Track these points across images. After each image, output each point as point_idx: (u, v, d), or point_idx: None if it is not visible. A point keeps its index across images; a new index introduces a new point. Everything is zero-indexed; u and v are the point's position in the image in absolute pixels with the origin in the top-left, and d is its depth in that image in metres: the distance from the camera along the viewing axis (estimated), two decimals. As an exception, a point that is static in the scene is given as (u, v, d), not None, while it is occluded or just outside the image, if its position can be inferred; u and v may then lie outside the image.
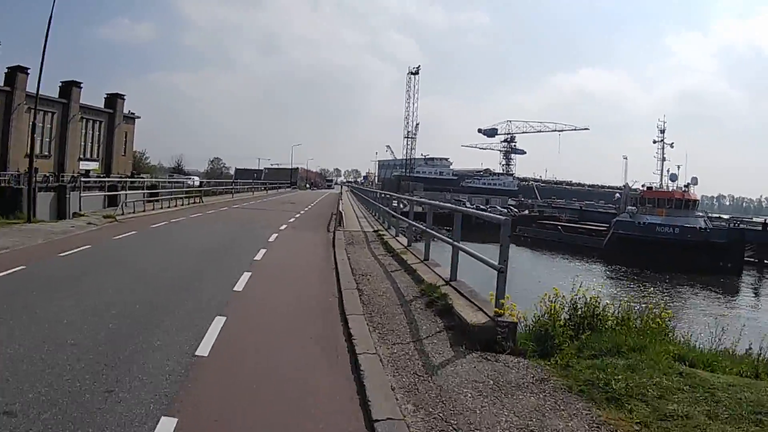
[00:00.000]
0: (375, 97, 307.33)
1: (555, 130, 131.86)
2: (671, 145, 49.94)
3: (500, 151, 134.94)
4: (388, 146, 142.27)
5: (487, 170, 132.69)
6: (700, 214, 49.93)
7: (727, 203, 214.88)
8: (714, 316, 16.90)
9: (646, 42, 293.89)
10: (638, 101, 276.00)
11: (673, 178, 48.08)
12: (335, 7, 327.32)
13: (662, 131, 50.46)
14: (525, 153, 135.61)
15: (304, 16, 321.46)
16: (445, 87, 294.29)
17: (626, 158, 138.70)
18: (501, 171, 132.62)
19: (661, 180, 49.11)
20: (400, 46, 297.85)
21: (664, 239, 42.92)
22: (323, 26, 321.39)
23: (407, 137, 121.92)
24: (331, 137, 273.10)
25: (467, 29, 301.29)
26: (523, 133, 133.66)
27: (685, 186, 47.50)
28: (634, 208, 48.53)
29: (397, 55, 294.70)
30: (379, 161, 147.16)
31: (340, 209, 25.17)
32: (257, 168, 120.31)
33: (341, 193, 53.35)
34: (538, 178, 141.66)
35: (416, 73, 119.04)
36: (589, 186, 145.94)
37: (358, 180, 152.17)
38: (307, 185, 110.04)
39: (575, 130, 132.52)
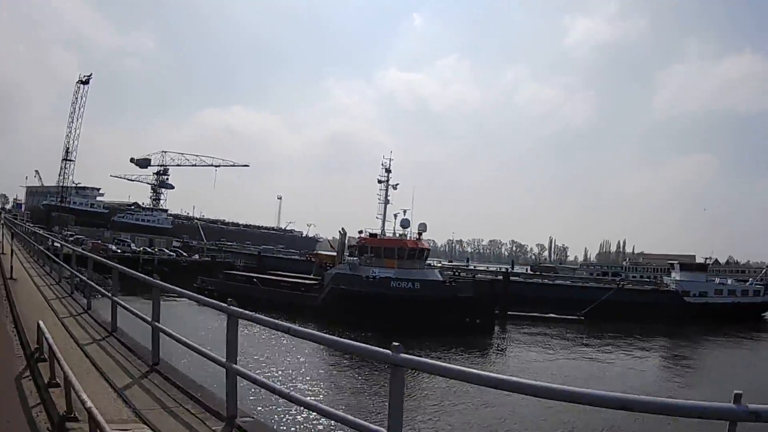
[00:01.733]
0: (29, 117, 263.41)
1: (212, 165, 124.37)
2: (395, 187, 44.63)
3: (149, 184, 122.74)
4: (36, 171, 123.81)
5: (135, 204, 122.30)
6: (432, 264, 46.75)
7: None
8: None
9: (303, 83, 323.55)
10: (286, 142, 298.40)
11: (406, 224, 42.84)
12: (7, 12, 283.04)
13: (387, 170, 44.75)
14: (173, 188, 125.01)
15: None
16: (102, 113, 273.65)
17: (281, 198, 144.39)
18: (150, 206, 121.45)
19: (383, 226, 43.92)
20: (64, 64, 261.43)
21: (401, 296, 36.94)
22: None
23: (65, 159, 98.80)
24: None
25: (132, 52, 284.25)
26: (177, 165, 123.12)
27: (417, 233, 42.78)
28: (354, 258, 42.95)
29: (59, 74, 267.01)
30: (27, 187, 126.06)
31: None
32: None
33: None
34: (189, 215, 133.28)
35: (86, 82, 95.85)
36: (244, 226, 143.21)
37: (10, 209, 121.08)
38: None
39: (234, 166, 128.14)
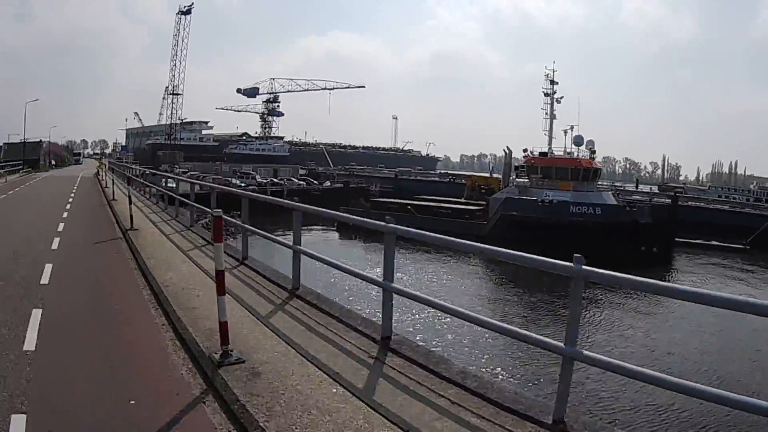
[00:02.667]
0: (122, 64, 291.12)
1: (325, 89, 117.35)
2: (559, 101, 40.27)
3: (258, 113, 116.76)
4: (136, 113, 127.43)
5: (245, 134, 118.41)
6: (604, 185, 42.33)
7: (489, 160, 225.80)
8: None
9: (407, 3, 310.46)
10: (390, 64, 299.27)
11: (579, 141, 38.45)
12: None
13: (552, 82, 40.31)
14: (283, 115, 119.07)
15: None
16: (201, 50, 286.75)
17: (396, 118, 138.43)
18: (260, 134, 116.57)
19: (550, 143, 39.66)
20: (151, 5, 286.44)
21: (582, 223, 32.70)
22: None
23: (172, 93, 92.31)
24: (76, 106, 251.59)
25: None
26: (288, 92, 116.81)
27: (590, 151, 38.36)
28: (523, 180, 38.47)
29: (147, 15, 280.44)
30: (127, 130, 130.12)
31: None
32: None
33: (101, 177, 34.13)
34: (303, 141, 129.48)
35: (188, 12, 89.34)
36: (363, 148, 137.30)
37: (110, 153, 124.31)
38: (52, 162, 78.23)
39: (349, 87, 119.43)
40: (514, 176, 39.97)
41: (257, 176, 61.28)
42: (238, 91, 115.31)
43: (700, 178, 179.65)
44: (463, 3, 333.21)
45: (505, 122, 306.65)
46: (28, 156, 62.43)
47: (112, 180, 24.16)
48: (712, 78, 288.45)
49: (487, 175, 50.52)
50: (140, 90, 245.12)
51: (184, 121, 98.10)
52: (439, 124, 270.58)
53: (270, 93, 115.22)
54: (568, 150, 38.90)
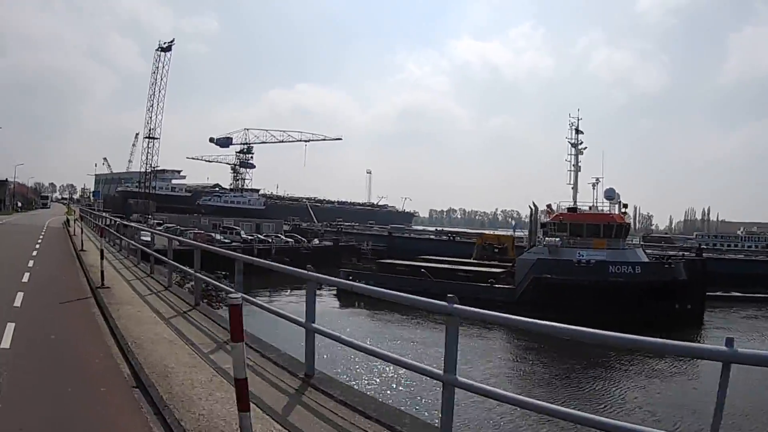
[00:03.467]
0: (91, 107, 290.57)
1: (300, 140, 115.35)
2: (581, 152, 38.02)
3: (230, 164, 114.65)
4: (105, 159, 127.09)
5: (217, 185, 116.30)
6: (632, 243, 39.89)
7: (458, 216, 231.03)
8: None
9: (375, 58, 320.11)
10: (355, 118, 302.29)
11: (611, 194, 35.91)
12: (64, 3, 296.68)
13: (577, 131, 38.17)
14: (255, 167, 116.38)
15: (33, 13, 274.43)
16: (167, 98, 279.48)
17: (370, 172, 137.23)
18: (231, 186, 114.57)
19: (575, 198, 37.41)
20: (122, 50, 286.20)
21: (621, 283, 30.67)
22: (49, 26, 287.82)
23: (148, 137, 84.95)
24: (44, 148, 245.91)
25: (193, 35, 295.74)
26: (263, 143, 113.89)
27: (623, 206, 36.26)
28: (554, 239, 35.50)
29: (118, 60, 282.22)
30: (96, 175, 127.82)
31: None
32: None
33: (71, 227, 31.34)
34: (273, 194, 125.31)
35: (167, 49, 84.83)
36: (338, 203, 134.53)
37: (78, 198, 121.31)
38: (18, 205, 77.36)
39: (325, 140, 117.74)
40: (540, 234, 36.92)
41: (242, 232, 57.38)
42: (211, 140, 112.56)
43: (672, 226, 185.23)
44: (434, 57, 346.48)
45: (472, 177, 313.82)
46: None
47: (81, 228, 22.20)
48: (678, 127, 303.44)
49: (499, 233, 49.16)
50: (109, 135, 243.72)
51: (156, 168, 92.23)
52: (407, 178, 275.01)
53: (243, 144, 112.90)
54: (595, 204, 36.78)
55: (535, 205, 37.84)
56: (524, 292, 31.97)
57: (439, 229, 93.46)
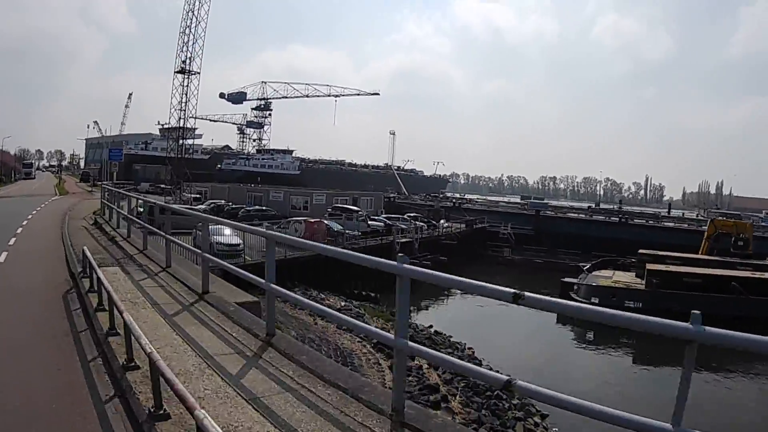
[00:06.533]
0: (80, 69, 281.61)
1: (330, 95, 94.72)
2: None
3: (235, 124, 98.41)
4: (95, 122, 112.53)
5: (226, 146, 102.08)
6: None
7: (462, 182, 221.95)
8: None
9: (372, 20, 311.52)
10: (350, 78, 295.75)
11: None
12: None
13: None
14: (262, 127, 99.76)
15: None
16: (155, 61, 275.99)
17: (394, 133, 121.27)
18: (238, 148, 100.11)
19: None
20: (111, 10, 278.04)
21: None
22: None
23: (183, 71, 53.25)
24: (32, 116, 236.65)
25: None
26: (283, 97, 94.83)
27: None
28: None
29: (107, 21, 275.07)
30: (87, 140, 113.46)
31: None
32: None
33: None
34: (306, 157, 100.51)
35: None
36: (362, 166, 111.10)
37: (66, 165, 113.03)
38: None
39: (359, 94, 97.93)
40: None
41: (364, 213, 39.28)
42: (221, 96, 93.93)
43: (686, 197, 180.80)
44: (436, 17, 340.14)
45: (472, 141, 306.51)
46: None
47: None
48: (684, 97, 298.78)
49: (733, 219, 37.64)
50: (98, 100, 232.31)
51: (164, 126, 68.41)
52: (405, 143, 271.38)
53: (261, 99, 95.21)
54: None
55: None
56: None
57: (591, 206, 74.10)
